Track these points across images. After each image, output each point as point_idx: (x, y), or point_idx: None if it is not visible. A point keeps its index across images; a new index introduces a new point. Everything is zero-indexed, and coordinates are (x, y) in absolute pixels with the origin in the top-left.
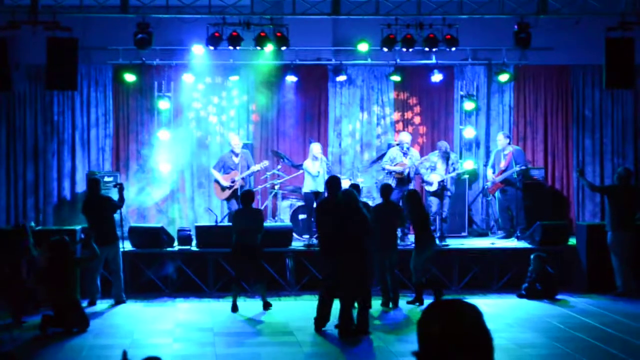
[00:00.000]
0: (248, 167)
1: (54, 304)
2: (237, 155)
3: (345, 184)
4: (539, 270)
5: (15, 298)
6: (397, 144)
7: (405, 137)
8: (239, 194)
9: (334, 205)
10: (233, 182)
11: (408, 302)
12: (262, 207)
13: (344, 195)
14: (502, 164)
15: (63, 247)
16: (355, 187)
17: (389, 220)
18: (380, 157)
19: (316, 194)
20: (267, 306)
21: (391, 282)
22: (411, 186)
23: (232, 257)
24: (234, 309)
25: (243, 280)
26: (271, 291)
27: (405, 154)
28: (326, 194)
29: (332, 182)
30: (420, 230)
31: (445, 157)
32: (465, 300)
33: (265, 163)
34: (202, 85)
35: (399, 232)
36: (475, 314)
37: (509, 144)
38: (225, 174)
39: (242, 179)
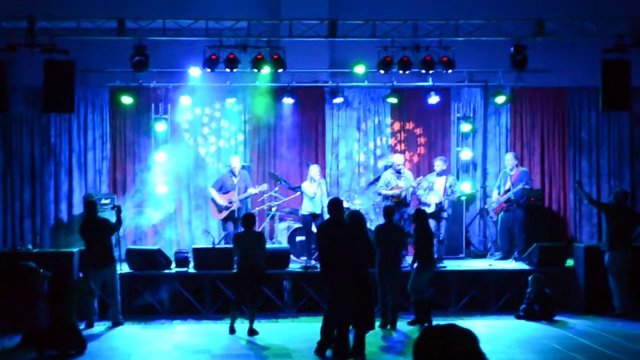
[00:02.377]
0: (246, 189)
1: (50, 326)
2: (235, 176)
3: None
4: (537, 292)
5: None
6: (390, 166)
7: (398, 158)
8: (236, 215)
9: (336, 228)
10: (230, 203)
11: (409, 323)
12: (260, 229)
13: (349, 218)
14: (508, 185)
15: (64, 274)
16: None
17: (392, 241)
18: (377, 180)
19: (314, 215)
20: (252, 333)
21: (392, 304)
22: (410, 208)
23: (234, 281)
24: (232, 331)
25: (243, 304)
26: (269, 313)
27: (399, 176)
28: (328, 216)
29: (335, 204)
30: (424, 249)
31: (442, 174)
32: (461, 324)
33: (264, 187)
34: (199, 107)
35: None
36: (470, 338)
37: (517, 165)
38: (224, 193)
39: (240, 200)
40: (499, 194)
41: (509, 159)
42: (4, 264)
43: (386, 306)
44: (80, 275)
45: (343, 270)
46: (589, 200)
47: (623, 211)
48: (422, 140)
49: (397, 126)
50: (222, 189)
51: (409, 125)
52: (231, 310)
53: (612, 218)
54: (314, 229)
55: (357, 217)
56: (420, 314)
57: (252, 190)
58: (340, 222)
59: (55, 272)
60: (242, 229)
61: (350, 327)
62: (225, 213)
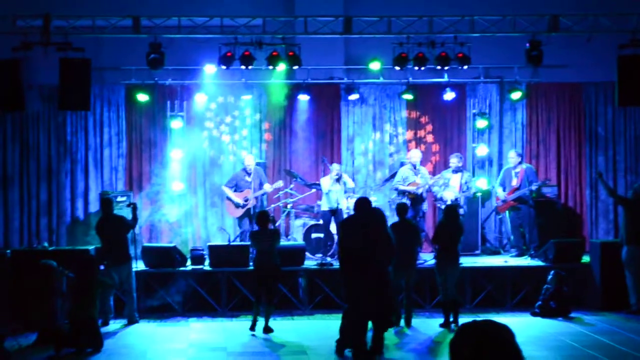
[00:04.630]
0: (261, 185)
1: (71, 321)
2: (249, 174)
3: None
4: (555, 288)
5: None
6: (408, 162)
7: (415, 154)
8: (252, 213)
9: (358, 225)
10: (246, 200)
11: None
12: (276, 226)
13: (373, 215)
14: (514, 182)
15: (90, 265)
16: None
17: (405, 239)
18: (393, 176)
19: (332, 211)
20: (268, 330)
21: (406, 301)
22: (425, 205)
23: (253, 280)
24: (252, 328)
25: (259, 302)
26: (284, 310)
27: (416, 172)
28: (353, 213)
29: (361, 202)
30: (450, 246)
31: (457, 170)
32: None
33: (279, 184)
34: (215, 105)
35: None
36: (508, 335)
37: (521, 162)
38: (239, 191)
39: (255, 198)
40: (503, 191)
41: (512, 156)
42: (21, 261)
43: (400, 304)
44: (102, 267)
45: (362, 268)
46: (609, 192)
47: None
48: (437, 136)
49: (412, 122)
50: (237, 187)
51: (425, 122)
52: (254, 308)
53: (630, 212)
54: (332, 226)
55: (378, 215)
56: (449, 316)
57: (267, 187)
58: (363, 220)
59: (80, 268)
60: (257, 228)
61: (370, 326)
62: (241, 210)
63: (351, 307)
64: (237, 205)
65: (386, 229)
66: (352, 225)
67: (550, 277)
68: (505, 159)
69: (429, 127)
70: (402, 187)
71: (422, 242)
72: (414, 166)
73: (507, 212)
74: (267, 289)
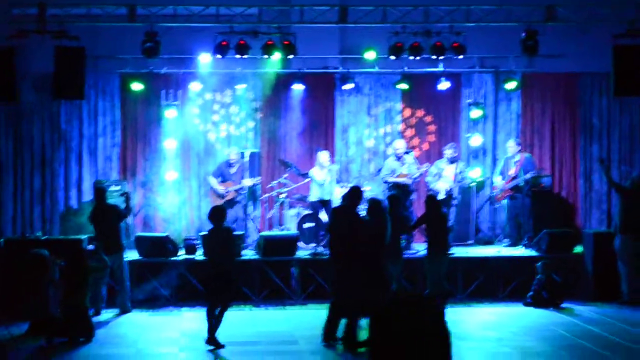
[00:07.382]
0: (241, 180)
1: (63, 310)
2: (232, 166)
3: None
4: (546, 278)
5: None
6: (392, 153)
7: (399, 143)
8: (239, 202)
9: (349, 214)
10: (227, 192)
11: None
12: (269, 216)
13: (368, 205)
14: (512, 171)
15: (81, 255)
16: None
17: (395, 230)
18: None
19: (323, 202)
20: (212, 342)
21: (397, 290)
22: (414, 194)
23: (205, 286)
24: (210, 340)
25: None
26: (276, 300)
27: (402, 163)
28: (342, 202)
29: (353, 192)
30: (435, 236)
31: (452, 161)
32: (467, 310)
33: (256, 180)
34: (210, 94)
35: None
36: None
37: (520, 151)
38: (223, 182)
39: (236, 190)
40: (503, 179)
41: (511, 145)
42: (14, 251)
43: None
44: (92, 247)
45: (353, 258)
46: (608, 179)
47: (638, 196)
48: (432, 126)
49: (407, 112)
50: (222, 177)
51: (419, 111)
52: (208, 318)
53: (626, 202)
54: (322, 215)
55: (376, 205)
56: None
57: (245, 182)
58: (354, 209)
59: (70, 258)
60: (211, 226)
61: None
62: (221, 201)
63: (338, 298)
64: (218, 195)
65: (383, 218)
66: (342, 214)
67: (538, 267)
68: (499, 149)
69: (424, 117)
70: (391, 179)
71: (407, 228)
72: (398, 157)
73: (504, 201)
74: (222, 295)
